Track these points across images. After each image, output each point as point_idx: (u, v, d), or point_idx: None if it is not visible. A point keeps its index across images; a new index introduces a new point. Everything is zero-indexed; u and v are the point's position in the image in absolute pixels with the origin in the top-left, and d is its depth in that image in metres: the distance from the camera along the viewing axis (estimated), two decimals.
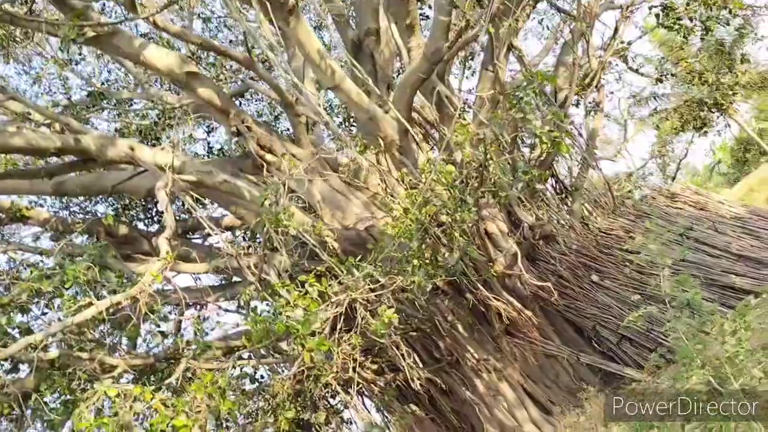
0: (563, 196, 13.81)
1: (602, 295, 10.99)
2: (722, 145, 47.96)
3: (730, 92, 15.03)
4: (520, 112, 6.72)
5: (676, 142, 32.58)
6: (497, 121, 8.16)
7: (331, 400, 15.23)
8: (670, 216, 11.39)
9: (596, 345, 11.96)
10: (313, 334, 6.59)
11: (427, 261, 8.02)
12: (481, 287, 10.11)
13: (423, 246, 8.29)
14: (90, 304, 5.97)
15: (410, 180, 9.08)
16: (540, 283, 9.86)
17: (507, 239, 12.00)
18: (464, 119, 10.19)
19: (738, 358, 3.82)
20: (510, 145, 9.54)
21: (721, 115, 15.60)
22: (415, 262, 7.93)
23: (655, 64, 16.79)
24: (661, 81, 15.52)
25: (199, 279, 14.18)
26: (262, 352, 9.26)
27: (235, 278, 13.46)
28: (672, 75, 15.27)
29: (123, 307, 6.69)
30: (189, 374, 7.68)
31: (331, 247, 10.70)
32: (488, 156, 7.61)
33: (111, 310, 6.24)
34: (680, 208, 11.54)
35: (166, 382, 7.30)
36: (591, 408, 10.15)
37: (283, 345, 11.49)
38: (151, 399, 6.22)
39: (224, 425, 9.76)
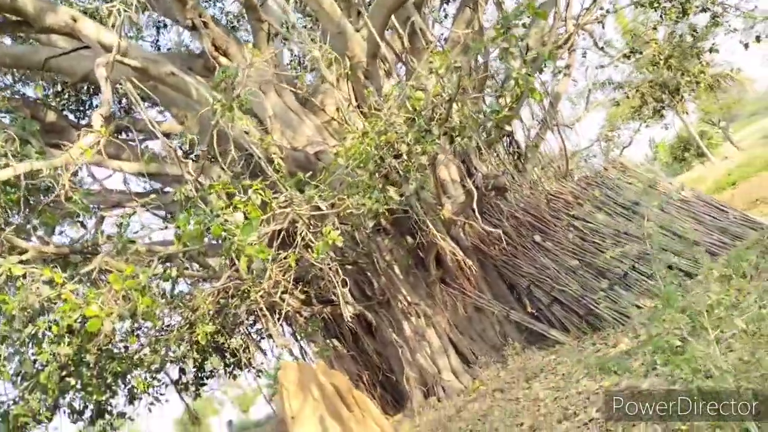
0: (516, 156, 13.64)
1: (541, 256, 10.92)
2: (662, 143, 49.37)
3: (694, 80, 15.10)
4: (505, 42, 6.29)
5: (624, 128, 33.18)
6: (474, 52, 7.71)
7: (250, 329, 14.90)
8: (620, 188, 11.38)
9: (527, 304, 11.97)
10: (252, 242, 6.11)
11: (380, 188, 7.60)
12: (428, 228, 9.81)
13: (376, 173, 7.86)
14: (7, 165, 5.27)
15: (374, 103, 8.57)
16: (491, 229, 9.63)
17: (457, 187, 11.75)
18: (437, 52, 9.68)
19: (720, 306, 3.57)
20: (479, 86, 9.14)
21: (679, 101, 15.69)
22: (367, 186, 7.50)
23: (623, 43, 16.78)
24: (628, 57, 15.48)
25: (128, 183, 13.34)
26: (190, 256, 8.70)
27: (168, 188, 12.73)
28: (639, 53, 15.22)
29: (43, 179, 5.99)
30: (107, 268, 7.08)
31: (277, 165, 10.14)
32: (460, 87, 7.17)
33: (31, 179, 5.55)
34: (630, 183, 11.55)
35: (81, 272, 6.68)
36: (513, 364, 10.16)
37: (211, 261, 10.96)
38: (62, 285, 5.63)
39: (139, 326, 9.24)
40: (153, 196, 10.92)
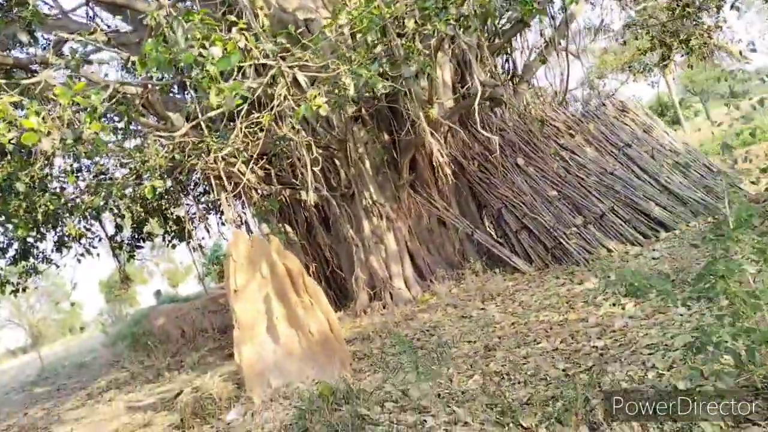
0: (511, 75, 12.83)
1: (521, 181, 10.38)
2: (638, 102, 49.07)
3: (707, 35, 14.40)
4: None
5: (611, 78, 32.59)
6: None
7: (199, 199, 14.07)
8: (615, 127, 10.81)
9: (493, 227, 11.53)
10: (226, 76, 5.28)
11: (380, 61, 6.74)
12: (413, 124, 9.07)
13: (376, 46, 6.97)
14: None
15: None
16: (489, 135, 8.95)
17: (447, 91, 10.94)
18: None
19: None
20: None
21: (687, 53, 14.98)
22: (364, 56, 6.63)
23: None
24: None
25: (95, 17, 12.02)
26: (148, 100, 7.75)
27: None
28: None
29: None
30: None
31: (262, 22, 9.09)
32: None
33: None
34: (626, 124, 10.99)
35: (24, 82, 5.71)
36: (470, 284, 9.79)
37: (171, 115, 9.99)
38: None
39: (80, 168, 8.34)
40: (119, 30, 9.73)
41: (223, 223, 15.16)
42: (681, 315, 5.85)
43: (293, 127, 7.68)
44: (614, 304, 6.84)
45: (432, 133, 9.07)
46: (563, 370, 5.17)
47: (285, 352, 6.83)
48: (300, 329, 6.90)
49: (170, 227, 14.87)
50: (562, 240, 9.50)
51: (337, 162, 10.57)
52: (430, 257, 11.14)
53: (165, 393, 10.26)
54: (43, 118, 4.86)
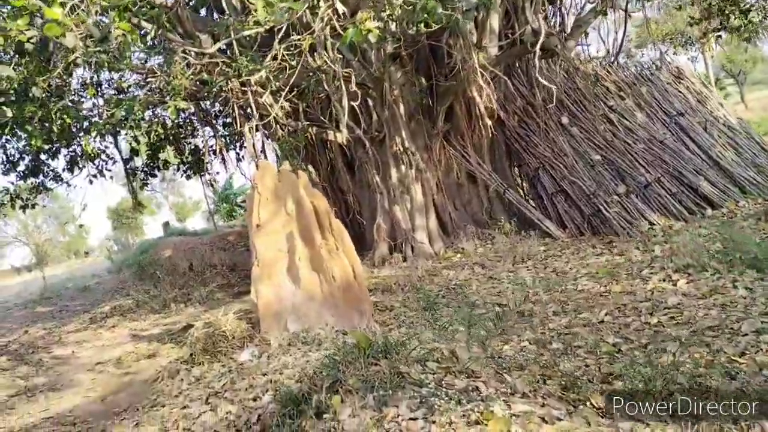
0: (561, 28, 12.05)
1: (563, 141, 9.77)
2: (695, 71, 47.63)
3: (761, 18, 13.50)
4: None
5: (649, 49, 31.46)
6: None
7: (221, 129, 13.51)
8: (668, 93, 10.15)
9: (528, 187, 10.95)
10: None
11: None
12: (458, 66, 8.43)
13: None
14: None
15: None
16: (546, 83, 8.27)
17: (493, 38, 10.23)
18: None
19: None
20: None
21: (738, 29, 14.11)
22: None
23: None
24: None
25: None
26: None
27: None
28: None
29: None
30: None
31: None
32: None
33: None
34: (680, 92, 10.31)
35: None
36: (498, 245, 9.29)
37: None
38: None
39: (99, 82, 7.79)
40: None
41: (240, 159, 14.65)
42: (744, 297, 5.36)
43: (329, 59, 7.06)
44: (664, 280, 6.36)
45: (477, 80, 8.43)
46: (613, 345, 4.70)
47: (305, 295, 6.39)
48: (322, 273, 6.44)
49: (186, 157, 14.37)
50: (601, 207, 8.95)
51: (370, 102, 9.95)
52: (456, 213, 10.62)
53: (171, 325, 9.94)
54: (70, 10, 4.30)
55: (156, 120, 9.69)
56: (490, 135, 9.95)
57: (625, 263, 7.37)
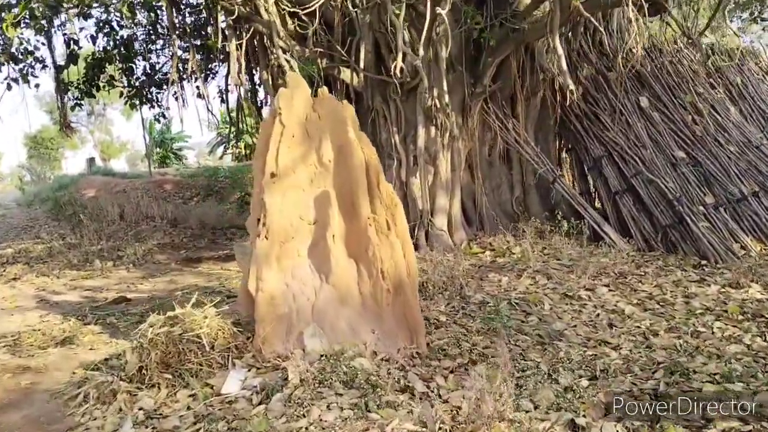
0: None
1: (641, 127, 7.72)
2: None
3: None
4: None
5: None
6: None
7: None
8: (761, 90, 8.28)
9: (579, 180, 8.81)
10: None
11: None
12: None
13: None
14: None
15: None
16: (634, 48, 6.12)
17: None
18: None
19: None
20: None
21: None
22: None
23: None
24: None
25: None
26: None
27: None
28: None
29: None
30: None
31: None
32: None
33: None
34: None
35: None
36: (562, 250, 7.09)
37: None
38: None
39: None
40: None
41: (199, 95, 11.81)
42: None
43: None
44: None
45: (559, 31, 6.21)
46: None
47: (335, 294, 4.05)
48: (365, 263, 4.11)
49: (136, 79, 11.51)
50: (688, 219, 6.93)
51: (404, 37, 7.51)
52: (484, 199, 8.42)
53: (96, 291, 7.30)
54: None
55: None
56: (554, 107, 7.78)
57: (750, 300, 5.40)
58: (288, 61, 7.41)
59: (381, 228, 4.18)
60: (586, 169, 8.31)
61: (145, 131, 22.33)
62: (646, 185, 7.42)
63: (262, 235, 4.02)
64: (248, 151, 35.24)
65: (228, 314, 4.28)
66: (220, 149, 38.48)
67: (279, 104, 4.12)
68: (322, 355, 3.77)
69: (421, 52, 7.18)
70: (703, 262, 6.67)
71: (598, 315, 5.19)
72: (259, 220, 4.20)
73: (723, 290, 5.77)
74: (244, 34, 7.84)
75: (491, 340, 4.54)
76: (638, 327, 4.85)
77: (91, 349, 4.91)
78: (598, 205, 8.29)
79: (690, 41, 8.11)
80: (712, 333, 4.66)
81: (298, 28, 7.70)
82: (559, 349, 4.38)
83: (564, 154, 9.17)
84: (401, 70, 6.67)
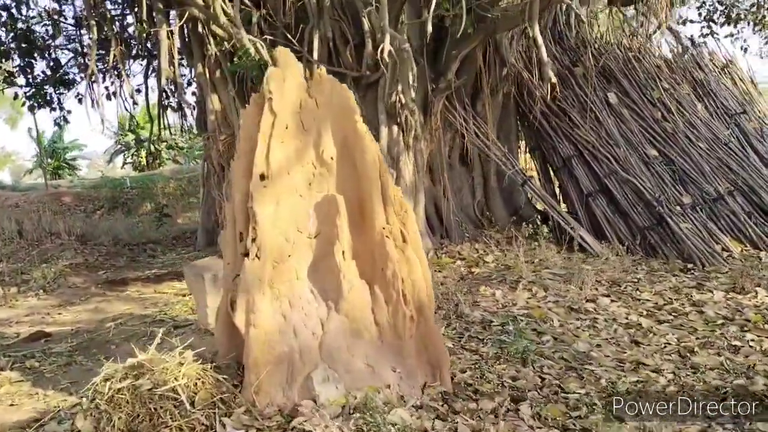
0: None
1: (611, 124, 7.35)
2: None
3: None
4: None
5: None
6: None
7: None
8: (721, 87, 8.13)
9: (544, 181, 8.31)
10: None
11: None
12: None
13: None
14: None
15: None
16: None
17: None
18: None
19: None
20: None
21: None
22: None
23: None
24: None
25: None
26: None
27: None
28: None
29: None
30: None
31: None
32: None
33: None
34: (728, 87, 8.35)
35: None
36: (514, 250, 6.53)
37: None
38: None
39: None
40: None
41: (112, 95, 10.46)
42: None
43: None
44: None
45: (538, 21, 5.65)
46: None
47: (348, 326, 3.23)
48: (381, 284, 3.31)
49: (35, 76, 10.05)
50: (669, 220, 6.57)
51: (365, 26, 6.74)
52: (447, 204, 7.78)
53: (4, 326, 6.00)
54: None
55: None
56: (517, 105, 7.25)
57: (766, 306, 5.03)
58: (227, 52, 6.46)
59: (396, 239, 3.39)
60: (551, 170, 7.84)
61: (37, 139, 20.31)
62: (621, 185, 7.03)
63: (252, 254, 3.13)
64: (152, 160, 33.18)
65: (207, 358, 3.34)
66: (119, 158, 36.04)
67: (269, 87, 3.24)
68: (342, 406, 2.93)
69: (388, 38, 6.42)
70: (689, 265, 6.33)
71: (615, 330, 4.63)
72: (242, 234, 3.31)
73: (729, 296, 5.38)
74: (177, 20, 6.81)
75: (516, 369, 3.86)
76: (667, 343, 4.32)
77: (11, 404, 3.80)
78: (565, 207, 7.85)
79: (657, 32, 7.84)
80: (750, 347, 4.20)
81: (240, 14, 6.76)
82: (597, 376, 3.75)
83: (527, 155, 8.69)
84: (366, 62, 5.90)
